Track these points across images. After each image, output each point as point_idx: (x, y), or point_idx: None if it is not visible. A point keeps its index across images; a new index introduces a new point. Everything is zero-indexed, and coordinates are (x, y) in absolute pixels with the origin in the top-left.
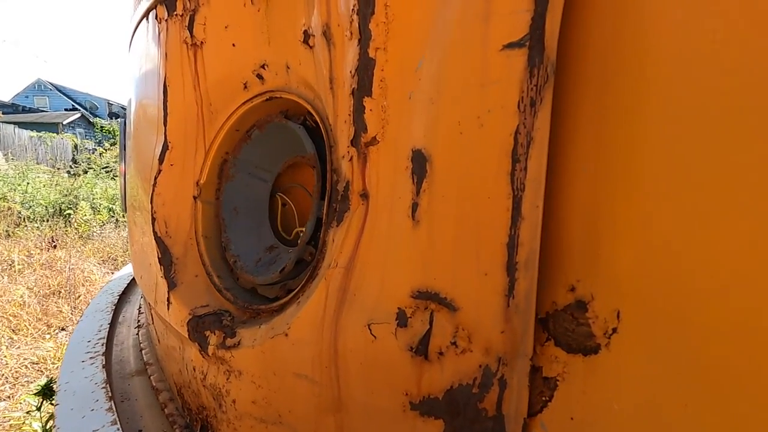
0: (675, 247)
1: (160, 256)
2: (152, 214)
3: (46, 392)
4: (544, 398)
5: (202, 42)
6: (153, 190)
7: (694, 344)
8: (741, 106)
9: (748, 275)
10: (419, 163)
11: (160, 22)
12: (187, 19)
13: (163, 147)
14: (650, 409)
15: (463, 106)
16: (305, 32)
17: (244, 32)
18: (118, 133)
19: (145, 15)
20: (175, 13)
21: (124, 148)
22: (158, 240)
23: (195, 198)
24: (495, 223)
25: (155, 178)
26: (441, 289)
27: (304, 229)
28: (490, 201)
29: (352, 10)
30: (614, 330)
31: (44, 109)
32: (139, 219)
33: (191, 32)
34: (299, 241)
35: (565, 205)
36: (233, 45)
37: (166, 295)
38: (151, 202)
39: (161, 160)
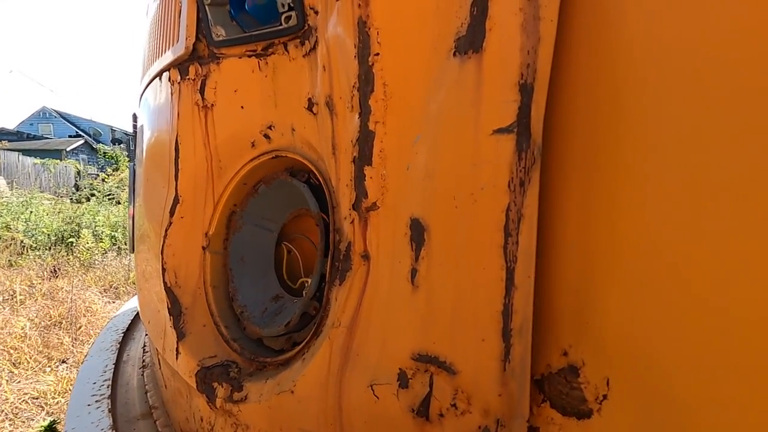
0: (659, 319)
1: (169, 306)
2: (162, 265)
3: None
4: None
5: (212, 104)
6: (164, 242)
7: (679, 417)
8: (718, 182)
9: (729, 347)
10: (417, 231)
11: (173, 84)
12: (199, 83)
13: (174, 200)
14: None
15: (458, 182)
16: (309, 100)
17: (252, 96)
18: (121, 158)
19: (158, 75)
20: (187, 77)
21: (133, 191)
22: (168, 290)
23: (204, 248)
24: (490, 292)
25: (166, 230)
26: (440, 352)
27: (308, 281)
28: (485, 271)
29: (353, 86)
30: (605, 396)
31: (48, 136)
32: (148, 265)
33: (202, 95)
34: (304, 294)
35: (555, 276)
36: (242, 107)
37: (175, 345)
38: (162, 253)
39: (172, 212)
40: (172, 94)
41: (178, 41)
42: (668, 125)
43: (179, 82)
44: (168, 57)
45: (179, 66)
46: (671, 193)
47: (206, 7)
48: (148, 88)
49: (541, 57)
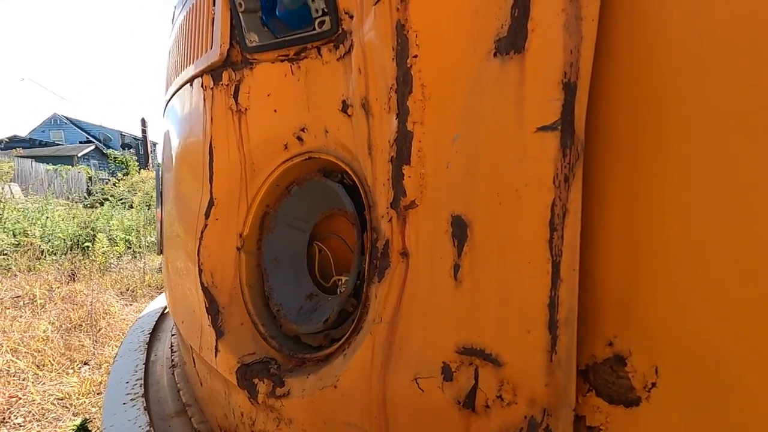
0: (709, 305)
1: (207, 305)
2: (199, 266)
3: None
4: None
5: (246, 108)
6: (200, 243)
7: (732, 400)
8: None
9: None
10: (459, 228)
11: (205, 90)
12: (233, 88)
13: (209, 203)
14: None
15: (501, 179)
16: (343, 102)
17: (285, 99)
18: (131, 163)
19: (190, 81)
20: (221, 82)
21: (160, 195)
22: (205, 290)
23: (238, 249)
24: (536, 286)
25: (201, 232)
26: (485, 345)
27: (342, 278)
28: (530, 265)
29: (391, 88)
30: (653, 384)
31: (60, 143)
32: (182, 266)
33: (236, 100)
34: (339, 291)
35: (600, 268)
36: (275, 111)
37: (214, 343)
38: (198, 255)
39: (207, 215)
40: (205, 100)
41: (211, 48)
42: (711, 118)
43: (212, 88)
44: (200, 63)
45: (212, 72)
46: (717, 183)
47: (239, 14)
48: (177, 94)
49: (583, 56)
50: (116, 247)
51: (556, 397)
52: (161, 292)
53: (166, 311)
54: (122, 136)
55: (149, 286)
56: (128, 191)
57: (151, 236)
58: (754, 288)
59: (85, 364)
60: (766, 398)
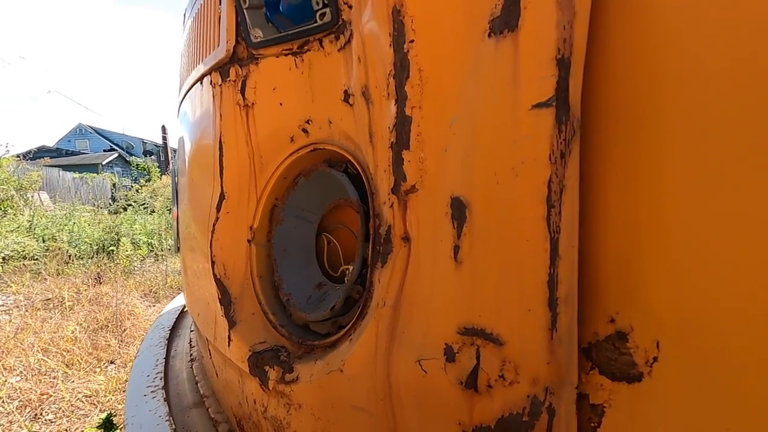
0: (708, 278)
1: (220, 296)
2: (212, 258)
3: (107, 425)
4: (592, 425)
5: (253, 103)
6: (212, 236)
7: (733, 371)
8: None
9: None
10: (459, 209)
11: (214, 87)
12: (240, 83)
13: (220, 197)
14: None
15: (498, 159)
16: (345, 92)
17: (290, 93)
18: (152, 169)
19: (199, 80)
20: (228, 79)
21: (176, 194)
22: (218, 281)
23: (249, 241)
24: (535, 263)
25: (214, 225)
26: (486, 325)
27: (350, 268)
28: (529, 243)
29: (389, 74)
30: (655, 359)
31: (85, 152)
32: (196, 261)
33: (243, 95)
34: (346, 280)
35: (599, 244)
36: (280, 104)
37: (227, 333)
38: (211, 247)
39: (218, 208)
40: (214, 97)
41: (218, 45)
42: (709, 91)
43: (220, 85)
44: (209, 61)
45: (220, 69)
46: (717, 157)
47: (244, 11)
48: (188, 94)
49: (576, 31)
50: (139, 251)
51: (558, 375)
52: (181, 293)
53: (185, 309)
54: (144, 143)
55: (171, 287)
56: (150, 197)
57: (172, 240)
58: (754, 261)
59: (112, 362)
60: (765, 372)
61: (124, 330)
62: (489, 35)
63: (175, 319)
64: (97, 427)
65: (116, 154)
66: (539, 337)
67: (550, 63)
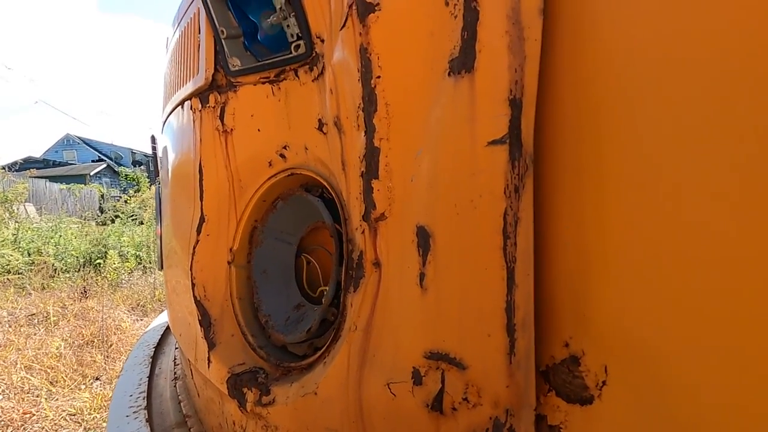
0: (651, 307)
1: (200, 318)
2: (192, 280)
3: None
4: None
5: (231, 129)
6: (192, 258)
7: (674, 395)
8: (712, 181)
9: (715, 333)
10: (423, 238)
11: (194, 112)
12: (219, 110)
13: (200, 219)
14: None
15: (458, 191)
16: (319, 121)
17: (267, 119)
18: (142, 180)
19: (180, 104)
20: (208, 105)
21: (159, 213)
22: (198, 303)
23: (229, 263)
24: (493, 291)
25: (194, 248)
26: (450, 349)
27: (327, 289)
28: (487, 271)
29: (358, 107)
30: (604, 383)
31: (72, 162)
32: (178, 281)
33: (222, 121)
34: (323, 302)
35: (553, 273)
36: (258, 130)
37: (207, 355)
38: (191, 269)
39: (199, 231)
40: (194, 121)
41: (198, 73)
42: (645, 128)
43: (200, 110)
44: (189, 87)
45: (200, 95)
46: (653, 191)
47: (223, 40)
48: (171, 115)
49: (527, 73)
50: (127, 263)
51: (517, 397)
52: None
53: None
54: (133, 153)
55: (159, 301)
56: (139, 207)
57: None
58: (689, 289)
59: (97, 379)
60: (700, 394)
61: (111, 345)
62: (449, 74)
63: (160, 336)
64: None
65: (104, 165)
66: (499, 361)
67: (503, 103)
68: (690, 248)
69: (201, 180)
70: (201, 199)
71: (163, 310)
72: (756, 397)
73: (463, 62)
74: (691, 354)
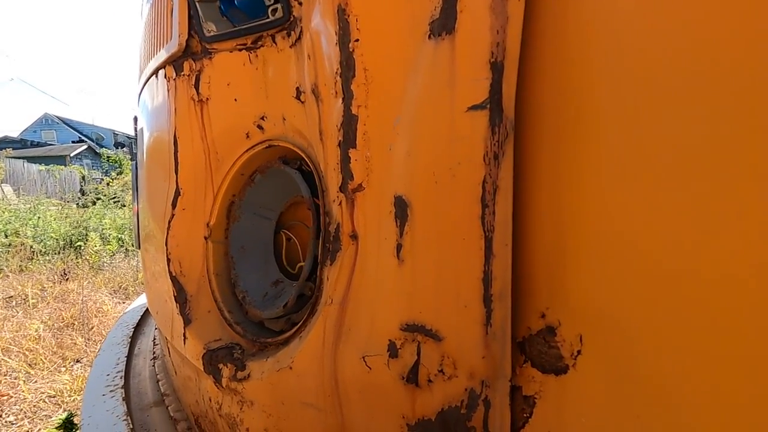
0: (625, 276)
1: (175, 294)
2: (167, 255)
3: (67, 426)
4: (525, 415)
5: (207, 98)
6: (167, 233)
7: (644, 363)
8: (694, 150)
9: (680, 308)
10: (401, 208)
11: (168, 81)
12: (194, 78)
13: (175, 193)
14: (609, 422)
15: (436, 159)
16: (297, 89)
17: (244, 88)
18: (124, 162)
19: (154, 73)
20: (182, 73)
21: (136, 189)
22: (173, 279)
23: (206, 238)
24: (470, 261)
25: (169, 222)
26: (426, 321)
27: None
28: (464, 242)
29: (336, 72)
30: (579, 352)
31: (52, 143)
32: (154, 258)
33: (197, 90)
34: (300, 276)
35: (531, 243)
36: (235, 100)
37: (182, 331)
38: (166, 244)
39: (174, 205)
40: (168, 91)
41: (171, 39)
42: (628, 98)
43: (175, 79)
44: (163, 55)
45: (174, 63)
46: (633, 163)
47: (197, 3)
48: (146, 86)
49: (510, 36)
50: (109, 246)
51: (493, 369)
52: None
53: None
54: (115, 134)
55: (142, 284)
56: (121, 190)
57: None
58: (659, 261)
59: (77, 361)
60: (668, 364)
61: (92, 328)
62: (429, 37)
63: (140, 317)
64: (56, 428)
65: (85, 146)
66: (475, 332)
67: (484, 66)
68: (665, 224)
69: (176, 152)
70: (176, 172)
71: (143, 293)
72: (712, 361)
73: (444, 24)
74: (657, 323)
